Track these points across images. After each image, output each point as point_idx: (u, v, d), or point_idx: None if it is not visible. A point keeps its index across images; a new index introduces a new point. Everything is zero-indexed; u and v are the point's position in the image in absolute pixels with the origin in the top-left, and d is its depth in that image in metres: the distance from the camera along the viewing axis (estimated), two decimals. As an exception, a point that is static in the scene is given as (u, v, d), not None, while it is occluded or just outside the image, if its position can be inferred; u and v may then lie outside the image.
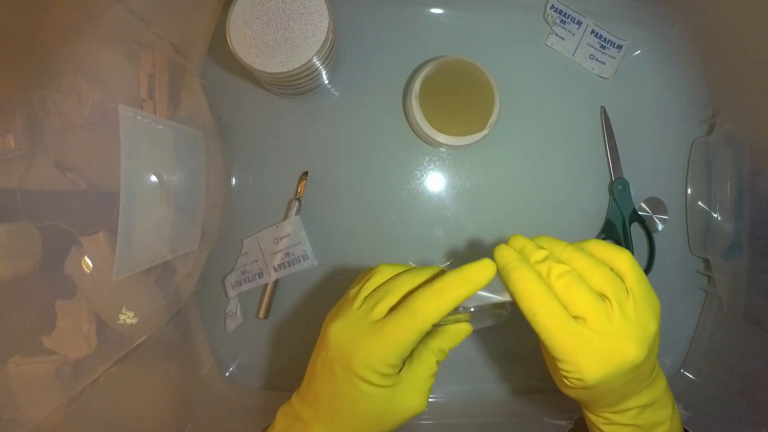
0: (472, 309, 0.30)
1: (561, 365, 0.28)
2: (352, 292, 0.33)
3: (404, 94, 0.52)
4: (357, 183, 0.53)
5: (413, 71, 0.52)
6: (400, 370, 0.31)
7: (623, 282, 0.29)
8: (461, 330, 0.33)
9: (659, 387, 0.31)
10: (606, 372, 0.27)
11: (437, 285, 0.29)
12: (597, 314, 0.27)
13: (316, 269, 0.53)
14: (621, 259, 0.29)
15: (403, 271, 0.32)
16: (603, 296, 0.28)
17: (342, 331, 0.30)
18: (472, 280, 0.29)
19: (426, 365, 0.32)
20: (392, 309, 0.30)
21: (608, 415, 0.32)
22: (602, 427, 0.32)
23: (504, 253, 0.30)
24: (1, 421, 0.30)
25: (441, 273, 0.31)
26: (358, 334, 0.30)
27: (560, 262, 0.29)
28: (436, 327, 0.33)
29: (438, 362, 0.32)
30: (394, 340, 0.28)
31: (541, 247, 0.30)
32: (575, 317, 0.28)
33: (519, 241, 0.31)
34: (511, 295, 0.29)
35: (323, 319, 0.34)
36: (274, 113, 0.53)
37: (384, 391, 0.30)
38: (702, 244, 0.53)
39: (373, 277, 0.33)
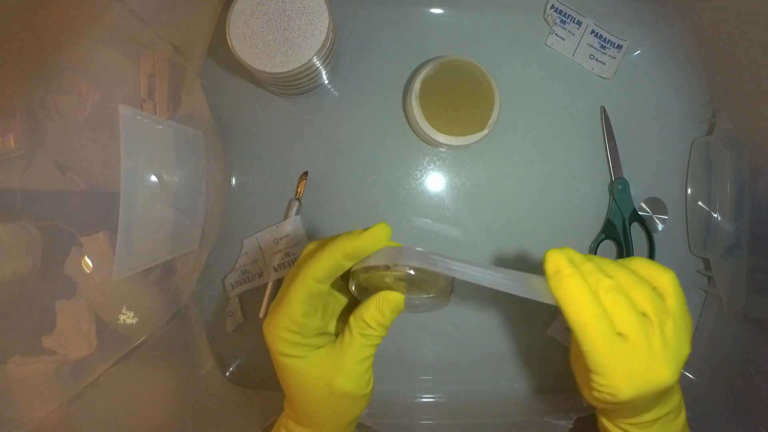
0: (409, 271, 0.29)
1: (596, 378, 0.28)
2: None
3: (404, 94, 0.52)
4: (357, 183, 0.53)
5: (413, 71, 0.52)
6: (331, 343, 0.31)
7: (664, 302, 0.29)
8: (386, 297, 0.30)
9: (674, 400, 0.32)
10: (639, 391, 0.27)
11: (327, 245, 0.29)
12: (638, 334, 0.27)
13: (316, 269, 0.53)
14: (665, 279, 0.30)
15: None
16: (644, 315, 0.28)
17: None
18: (358, 236, 0.29)
19: (348, 340, 0.30)
20: None
21: (625, 426, 0.32)
22: None
23: (557, 258, 0.29)
24: (1, 421, 0.30)
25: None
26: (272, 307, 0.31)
27: (608, 275, 0.29)
28: (407, 282, 0.31)
29: (364, 336, 0.30)
30: (285, 302, 0.29)
31: (591, 261, 0.30)
32: (618, 333, 0.27)
33: (570, 252, 0.30)
34: (559, 302, 0.28)
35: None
36: (274, 113, 0.53)
37: (297, 362, 0.30)
38: (702, 244, 0.53)
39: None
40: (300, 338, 0.29)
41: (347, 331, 0.30)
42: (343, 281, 0.33)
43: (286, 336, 0.29)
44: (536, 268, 0.36)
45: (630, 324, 0.27)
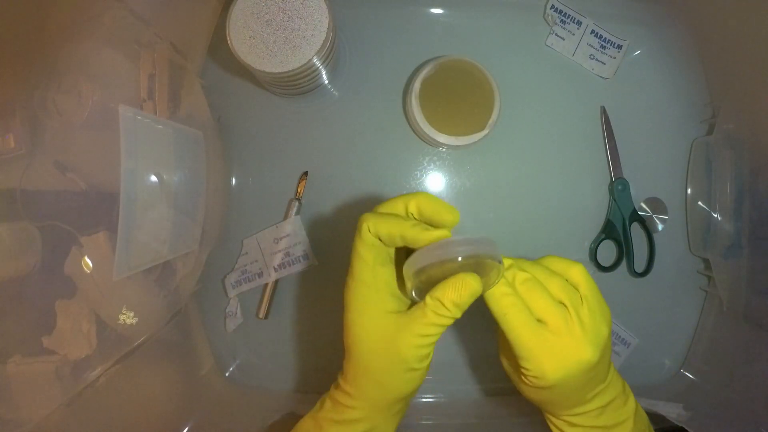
0: (460, 259, 0.28)
1: (523, 363, 0.30)
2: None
3: (404, 94, 0.52)
4: (357, 183, 0.53)
5: (413, 71, 0.52)
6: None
7: (577, 291, 0.32)
8: (466, 283, 0.29)
9: (616, 387, 0.34)
10: (564, 372, 0.30)
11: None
12: (556, 318, 0.30)
13: (316, 269, 0.53)
14: (574, 271, 0.32)
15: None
16: (560, 303, 0.31)
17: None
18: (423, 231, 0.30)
19: (420, 313, 0.30)
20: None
21: (569, 418, 0.33)
22: (565, 429, 0.34)
23: None
24: (1, 421, 0.30)
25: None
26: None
27: (523, 269, 0.32)
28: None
29: (437, 315, 0.29)
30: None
31: (508, 259, 0.32)
32: (538, 320, 0.30)
33: None
34: (485, 298, 0.31)
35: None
36: (274, 113, 0.53)
37: (368, 278, 0.31)
38: (702, 244, 0.53)
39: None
40: (379, 244, 0.31)
41: (420, 305, 0.30)
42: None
43: (371, 225, 0.31)
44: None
45: (547, 309, 0.30)
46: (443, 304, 0.29)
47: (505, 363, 0.36)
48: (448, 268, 0.29)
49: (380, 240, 0.31)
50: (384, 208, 0.33)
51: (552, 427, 0.35)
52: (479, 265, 0.29)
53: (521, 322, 0.30)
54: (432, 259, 0.29)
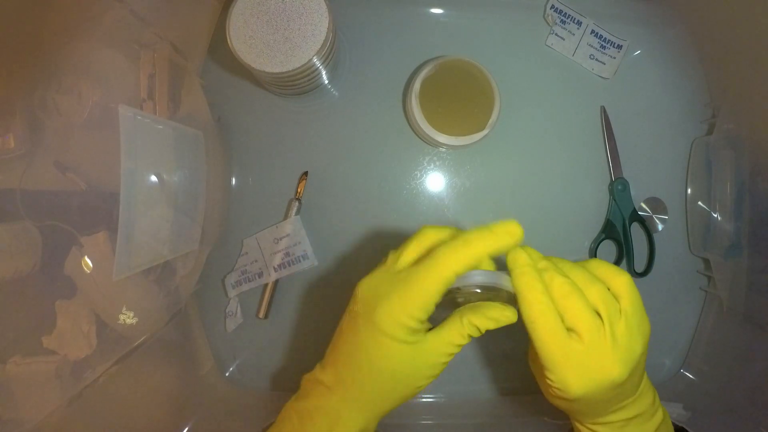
0: (480, 287, 0.30)
1: (548, 374, 0.29)
2: (391, 252, 0.32)
3: (404, 94, 0.52)
4: (357, 183, 0.53)
5: (413, 71, 0.52)
6: (428, 330, 0.31)
7: (618, 303, 0.30)
8: (504, 314, 0.30)
9: (645, 401, 0.32)
10: (588, 388, 0.28)
11: (462, 237, 0.29)
12: (589, 329, 0.28)
13: (316, 269, 0.53)
14: (620, 280, 0.30)
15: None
16: (596, 313, 0.29)
17: (368, 285, 0.31)
18: (497, 233, 0.29)
19: (455, 333, 0.30)
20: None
21: (593, 426, 0.32)
22: None
23: (517, 256, 0.30)
24: (1, 421, 0.30)
25: None
26: (383, 287, 0.30)
27: (563, 274, 0.30)
28: (476, 300, 0.32)
29: (468, 337, 0.30)
30: (418, 289, 0.28)
31: (548, 260, 0.31)
32: (569, 329, 0.29)
33: (529, 250, 0.31)
34: (516, 297, 0.30)
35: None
36: (274, 113, 0.53)
37: (405, 348, 0.29)
38: (702, 244, 0.53)
39: (414, 239, 0.32)
40: (421, 325, 0.29)
41: (457, 325, 0.30)
42: None
43: (410, 323, 0.28)
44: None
45: (580, 319, 0.28)
46: (478, 328, 0.30)
47: (532, 366, 0.35)
48: (477, 295, 0.31)
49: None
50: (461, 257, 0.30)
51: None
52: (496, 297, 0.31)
53: (550, 331, 0.28)
54: (471, 281, 0.30)
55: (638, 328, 0.29)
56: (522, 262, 0.30)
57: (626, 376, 0.28)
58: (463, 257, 0.28)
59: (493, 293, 0.31)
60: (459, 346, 0.30)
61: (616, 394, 0.30)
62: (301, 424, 0.31)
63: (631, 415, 0.31)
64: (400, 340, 0.29)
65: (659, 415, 0.33)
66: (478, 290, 0.30)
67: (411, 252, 0.31)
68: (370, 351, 0.29)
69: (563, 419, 0.48)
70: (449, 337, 0.30)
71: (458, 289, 0.30)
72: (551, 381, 0.29)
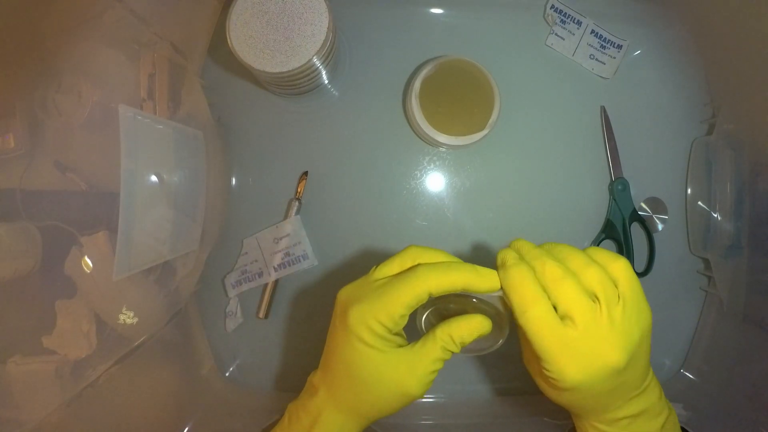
0: (474, 300, 0.31)
1: (544, 365, 0.28)
2: (375, 266, 0.33)
3: (404, 94, 0.52)
4: (357, 183, 0.53)
5: (413, 71, 0.52)
6: (405, 345, 0.31)
7: (616, 287, 0.29)
8: (478, 323, 0.30)
9: (652, 396, 0.31)
10: (585, 375, 0.27)
11: (446, 262, 0.30)
12: (584, 314, 0.27)
13: (316, 269, 0.53)
14: (618, 264, 0.29)
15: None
16: (594, 297, 0.28)
17: (347, 292, 0.32)
18: (482, 275, 0.29)
19: (431, 348, 0.30)
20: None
21: (597, 425, 0.31)
22: None
23: (503, 254, 0.31)
24: (1, 421, 0.30)
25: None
26: (358, 292, 0.31)
27: (556, 259, 0.29)
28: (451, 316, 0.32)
29: (444, 350, 0.30)
30: (389, 297, 0.29)
31: (541, 247, 0.31)
32: (563, 317, 0.28)
33: (519, 243, 0.32)
34: (505, 292, 0.29)
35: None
36: (274, 113, 0.53)
37: (375, 353, 0.30)
38: (702, 244, 0.53)
39: (399, 256, 0.32)
40: (387, 334, 0.30)
41: (430, 340, 0.30)
42: None
43: (376, 328, 0.29)
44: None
45: (575, 303, 0.28)
46: (453, 340, 0.30)
47: (528, 367, 0.34)
48: (463, 303, 0.31)
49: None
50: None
51: None
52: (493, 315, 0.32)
53: (540, 320, 0.27)
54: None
55: (637, 313, 0.28)
56: (508, 256, 0.30)
57: (625, 362, 0.27)
58: (441, 279, 0.29)
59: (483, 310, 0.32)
60: (439, 359, 0.30)
61: (619, 384, 0.29)
62: (290, 421, 0.33)
63: (638, 410, 0.31)
64: (367, 343, 0.29)
65: (666, 413, 0.32)
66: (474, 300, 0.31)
67: (394, 267, 0.32)
68: (345, 353, 0.30)
69: (563, 419, 0.48)
70: (424, 353, 0.30)
71: (447, 308, 0.32)
72: (548, 372, 0.28)
